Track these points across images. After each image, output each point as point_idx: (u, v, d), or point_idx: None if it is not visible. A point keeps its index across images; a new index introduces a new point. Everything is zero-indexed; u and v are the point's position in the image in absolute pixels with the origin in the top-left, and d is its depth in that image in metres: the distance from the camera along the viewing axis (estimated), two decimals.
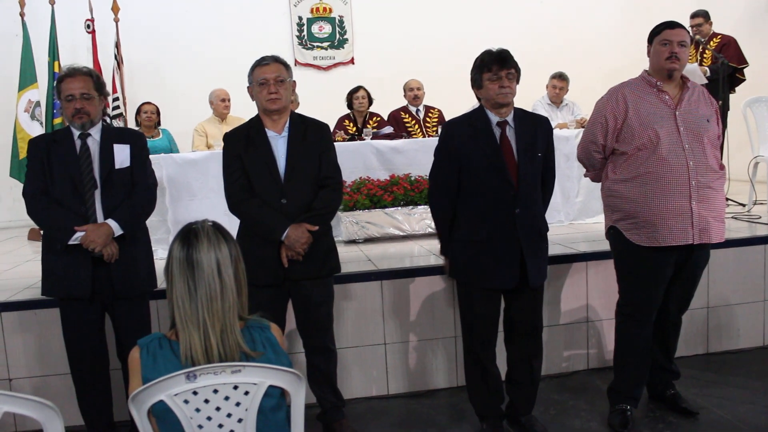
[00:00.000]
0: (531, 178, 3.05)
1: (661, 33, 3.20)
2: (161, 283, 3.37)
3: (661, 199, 3.11)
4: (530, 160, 3.03)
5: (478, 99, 3.15)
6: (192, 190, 5.04)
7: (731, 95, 6.56)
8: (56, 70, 6.94)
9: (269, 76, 3.11)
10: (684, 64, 3.22)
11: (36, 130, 6.54)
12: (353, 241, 5.12)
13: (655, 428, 3.31)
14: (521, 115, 3.11)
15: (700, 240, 3.13)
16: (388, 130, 6.23)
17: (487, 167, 3.00)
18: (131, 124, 6.95)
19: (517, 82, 3.05)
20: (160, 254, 4.17)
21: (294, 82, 3.25)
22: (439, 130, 6.22)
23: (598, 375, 4.05)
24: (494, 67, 2.97)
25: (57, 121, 6.77)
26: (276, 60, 3.18)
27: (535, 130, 3.09)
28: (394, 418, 3.68)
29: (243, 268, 1.87)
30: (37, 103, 6.68)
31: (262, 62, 3.16)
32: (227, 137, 3.24)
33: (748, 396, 3.62)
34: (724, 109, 5.93)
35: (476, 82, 3.07)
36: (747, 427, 3.28)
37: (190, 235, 1.82)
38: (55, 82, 3.09)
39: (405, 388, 4.00)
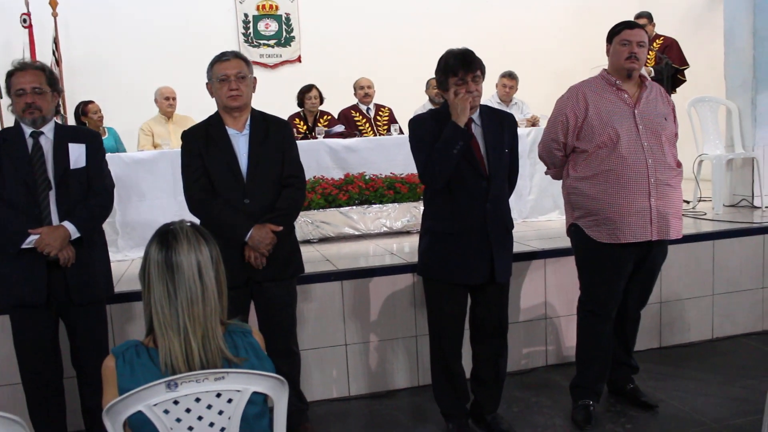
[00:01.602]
0: (500, 174, 3.05)
1: (621, 33, 3.23)
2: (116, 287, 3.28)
3: (620, 196, 3.15)
4: (498, 156, 3.03)
5: (443, 98, 3.12)
6: (141, 190, 4.88)
7: (672, 96, 6.73)
8: None
9: (230, 73, 3.02)
10: (642, 63, 3.28)
11: None
12: (308, 241, 5.05)
13: (617, 422, 3.36)
14: (487, 111, 3.11)
15: (659, 236, 3.20)
16: (340, 128, 6.17)
17: (460, 162, 2.97)
18: (71, 123, 6.69)
19: (483, 79, 3.04)
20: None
21: (255, 78, 3.16)
22: (391, 129, 6.30)
23: (556, 371, 4.09)
24: (460, 72, 2.94)
25: None
26: (237, 56, 3.08)
27: (502, 126, 3.08)
28: (358, 420, 3.64)
29: (223, 270, 1.79)
30: None
31: (222, 58, 3.06)
32: (186, 135, 3.12)
33: (702, 388, 3.71)
34: None
35: (442, 85, 3.03)
36: (705, 418, 3.36)
37: (168, 237, 1.73)
38: (5, 77, 2.93)
39: (366, 389, 3.96)
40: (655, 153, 3.17)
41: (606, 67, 3.33)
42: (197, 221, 3.04)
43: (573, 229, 3.38)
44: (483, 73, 3.02)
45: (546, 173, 3.61)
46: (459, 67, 2.94)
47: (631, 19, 6.61)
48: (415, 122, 3.14)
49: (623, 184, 3.14)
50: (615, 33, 3.26)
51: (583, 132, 3.23)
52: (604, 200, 3.18)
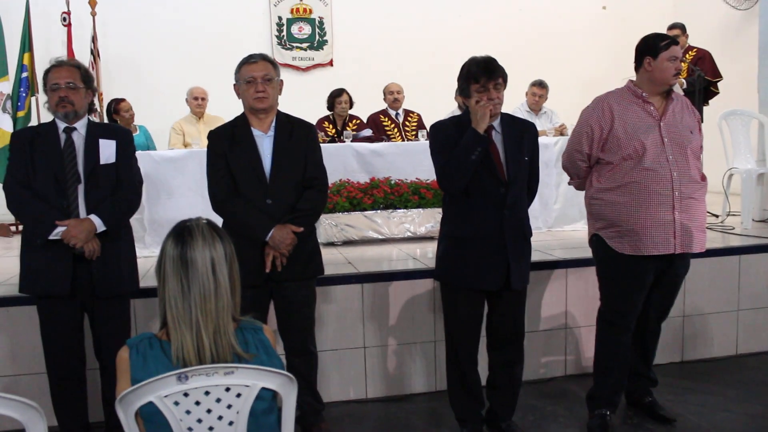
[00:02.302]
0: (519, 182, 3.06)
1: (670, 49, 3.18)
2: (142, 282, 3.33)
3: (644, 208, 3.13)
4: (517, 163, 3.04)
5: (465, 105, 3.14)
6: (170, 188, 4.97)
7: (704, 108, 6.66)
8: (25, 62, 6.80)
9: (257, 75, 3.07)
10: None
11: (6, 122, 6.43)
12: (332, 244, 5.09)
13: None
14: (508, 120, 3.12)
15: (681, 249, 3.17)
16: (367, 132, 6.21)
17: (479, 167, 2.99)
18: (105, 120, 6.83)
19: (504, 87, 3.06)
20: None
21: (281, 81, 3.21)
22: (419, 134, 6.32)
23: (575, 381, 4.07)
24: (482, 79, 2.96)
25: (21, 114, 6.65)
26: (264, 58, 3.13)
27: (522, 134, 3.10)
28: (373, 422, 3.66)
29: (237, 268, 1.84)
30: (8, 96, 6.55)
31: (249, 60, 3.12)
32: (212, 135, 3.19)
33: (723, 404, 3.67)
34: None
35: (464, 92, 3.06)
36: None
37: (184, 233, 1.78)
38: (43, 74, 3.03)
39: (383, 392, 3.97)
40: (680, 166, 3.15)
41: (632, 79, 3.31)
42: (220, 220, 3.11)
43: (595, 240, 3.36)
44: (505, 81, 3.04)
45: (569, 183, 3.61)
46: (481, 75, 2.97)
47: (664, 30, 6.59)
48: (436, 127, 3.16)
49: (647, 197, 3.13)
50: (662, 48, 3.18)
51: (608, 144, 3.21)
52: (627, 212, 3.16)
